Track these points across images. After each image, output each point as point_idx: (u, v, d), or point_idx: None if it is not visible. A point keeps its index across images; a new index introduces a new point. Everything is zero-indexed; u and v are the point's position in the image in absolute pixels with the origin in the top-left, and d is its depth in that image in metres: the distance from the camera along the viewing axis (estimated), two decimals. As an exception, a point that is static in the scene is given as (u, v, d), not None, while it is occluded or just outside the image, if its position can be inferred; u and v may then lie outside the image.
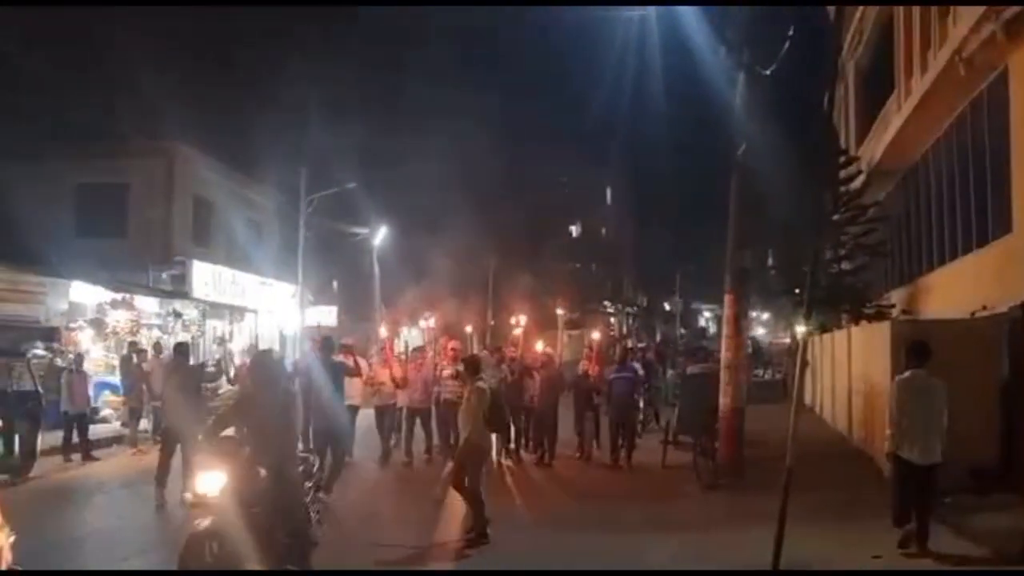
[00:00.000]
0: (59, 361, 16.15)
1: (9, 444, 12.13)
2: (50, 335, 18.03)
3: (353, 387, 13.53)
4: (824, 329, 20.40)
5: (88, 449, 14.48)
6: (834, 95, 27.33)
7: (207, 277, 25.04)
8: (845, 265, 20.60)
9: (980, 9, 12.49)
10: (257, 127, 25.05)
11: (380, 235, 32.60)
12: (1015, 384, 10.58)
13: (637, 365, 16.56)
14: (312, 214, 28.78)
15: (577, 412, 14.65)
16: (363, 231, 32.32)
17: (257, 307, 28.14)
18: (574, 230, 57.51)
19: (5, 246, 18.53)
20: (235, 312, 27.05)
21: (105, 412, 17.84)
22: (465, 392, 9.34)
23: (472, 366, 9.64)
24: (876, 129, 21.22)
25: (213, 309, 25.62)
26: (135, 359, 16.15)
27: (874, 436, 11.62)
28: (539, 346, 16.35)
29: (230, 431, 6.60)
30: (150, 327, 21.84)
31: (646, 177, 60.13)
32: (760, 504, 8.82)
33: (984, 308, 12.76)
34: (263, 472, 6.30)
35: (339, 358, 12.52)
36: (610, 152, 51.94)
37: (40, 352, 16.57)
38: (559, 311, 16.77)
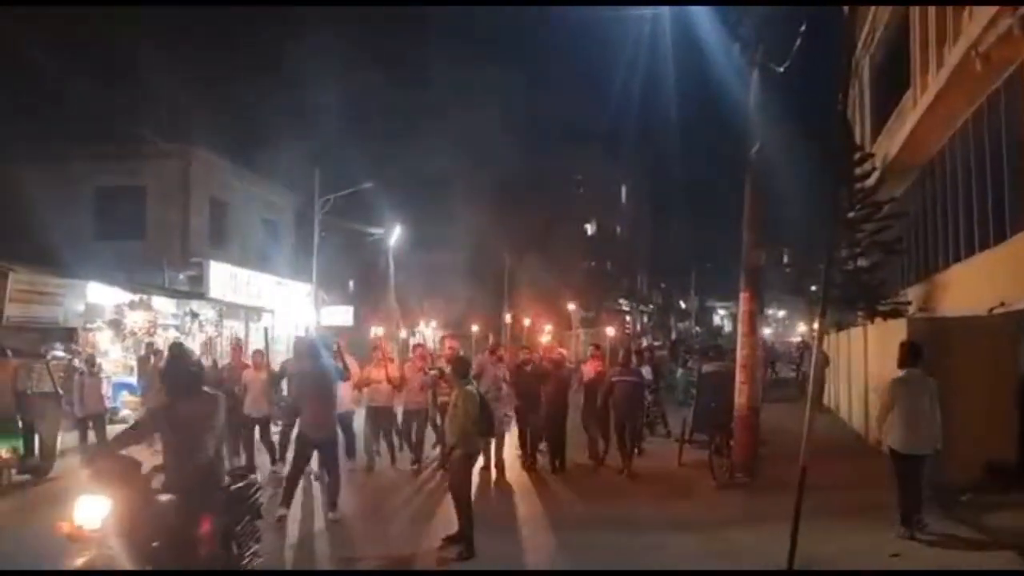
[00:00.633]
0: (76, 362, 16.27)
1: (30, 445, 12.22)
2: (68, 336, 18.18)
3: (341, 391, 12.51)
4: (840, 327, 20.33)
5: None
6: (848, 92, 27.25)
7: (224, 278, 25.20)
8: (861, 262, 20.50)
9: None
10: (273, 128, 25.23)
11: (395, 235, 32.68)
12: (1032, 381, 10.53)
13: (646, 369, 16.15)
14: (328, 214, 28.91)
15: (585, 415, 14.03)
16: (378, 231, 32.41)
17: (273, 307, 28.27)
18: (589, 228, 57.49)
19: (24, 248, 18.73)
20: (251, 312, 27.17)
21: (124, 413, 17.98)
22: (452, 396, 8.71)
23: (459, 368, 9.03)
24: (891, 125, 21.11)
25: (230, 309, 25.76)
26: (152, 360, 16.26)
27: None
28: (545, 339, 15.95)
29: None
30: (167, 328, 21.99)
31: (661, 175, 60.08)
32: (776, 502, 8.81)
33: (1001, 305, 12.69)
34: (167, 498, 5.38)
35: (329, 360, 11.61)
36: (625, 151, 51.91)
37: (59, 353, 16.73)
38: (571, 306, 16.11)
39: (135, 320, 20.74)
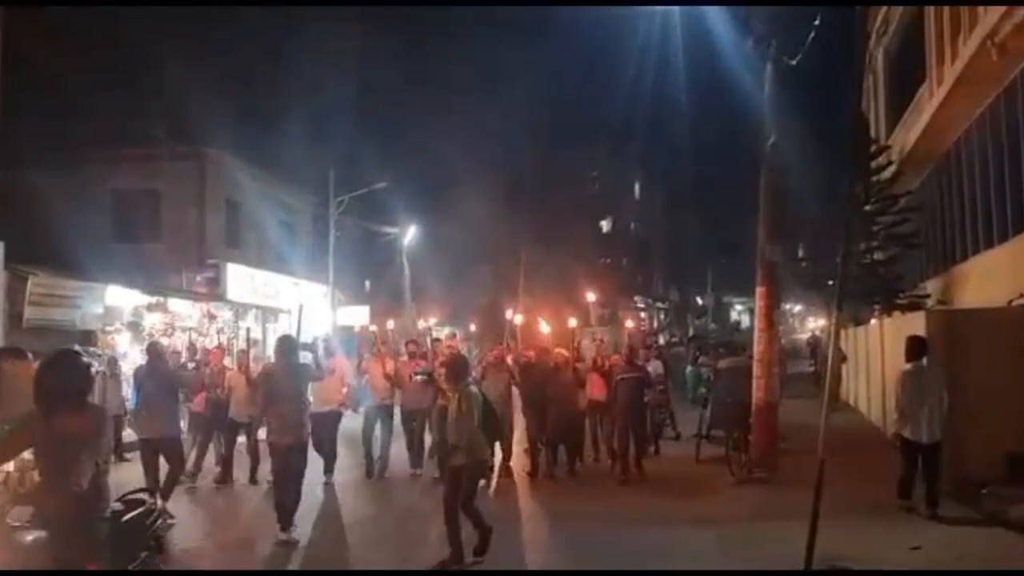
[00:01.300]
0: (96, 364, 16.36)
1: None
2: (87, 339, 18.30)
3: (329, 390, 12.00)
4: (857, 322, 20.24)
5: (120, 451, 14.70)
6: (863, 84, 27.11)
7: (241, 279, 25.32)
8: (878, 256, 20.40)
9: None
10: (288, 129, 25.31)
11: (410, 234, 32.75)
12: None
13: (656, 363, 15.67)
14: (343, 214, 29.02)
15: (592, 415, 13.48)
16: (393, 231, 32.51)
17: (290, 308, 28.37)
18: (604, 225, 57.38)
19: (42, 252, 18.87)
20: (269, 313, 27.28)
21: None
22: (454, 399, 7.99)
23: (457, 369, 8.25)
24: (907, 117, 20.98)
25: (246, 310, 25.88)
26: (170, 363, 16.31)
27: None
28: (543, 327, 14.97)
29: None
30: (185, 330, 22.10)
31: (676, 171, 59.89)
32: (794, 497, 8.78)
33: (1021, 296, 12.61)
34: (33, 536, 4.59)
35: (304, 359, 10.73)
36: (639, 147, 51.79)
37: (79, 356, 16.86)
38: (591, 296, 15.26)
39: (153, 322, 20.87)
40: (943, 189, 19.44)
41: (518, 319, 16.15)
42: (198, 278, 24.31)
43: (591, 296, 14.87)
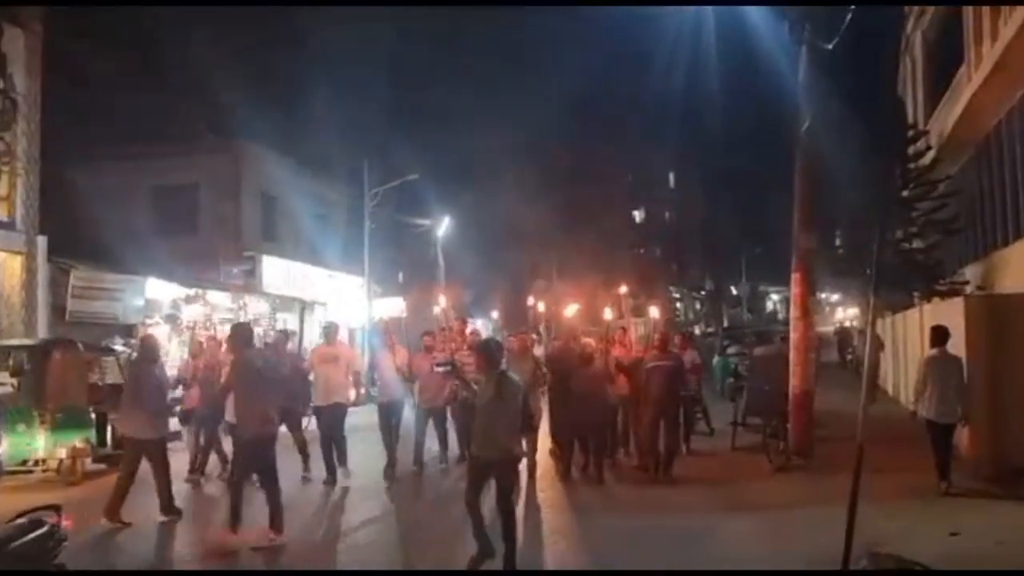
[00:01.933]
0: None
1: (102, 436, 12.58)
2: (128, 331, 18.62)
3: (335, 381, 11.42)
4: (894, 310, 20.02)
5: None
6: (900, 67, 26.76)
7: (277, 271, 25.59)
8: (916, 243, 20.15)
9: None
10: (322, 121, 25.50)
11: (444, 226, 32.85)
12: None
13: (693, 353, 14.45)
14: (378, 206, 29.19)
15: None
16: (426, 222, 32.63)
17: (326, 300, 28.63)
18: (637, 215, 57.19)
19: (84, 246, 19.25)
20: (306, 306, 27.55)
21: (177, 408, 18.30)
22: (489, 386, 7.26)
23: (489, 353, 7.51)
24: (946, 101, 20.67)
25: (283, 302, 26.16)
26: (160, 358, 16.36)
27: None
28: (571, 310, 13.60)
29: None
30: (222, 322, 22.38)
31: (710, 159, 59.47)
32: (831, 483, 8.77)
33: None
34: None
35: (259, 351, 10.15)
36: (673, 135, 51.48)
37: (120, 348, 17.15)
38: (623, 288, 14.56)
39: (191, 315, 21.16)
40: (982, 174, 19.13)
41: (541, 307, 15.70)
42: (235, 270, 24.61)
43: (623, 288, 14.35)
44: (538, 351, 14.32)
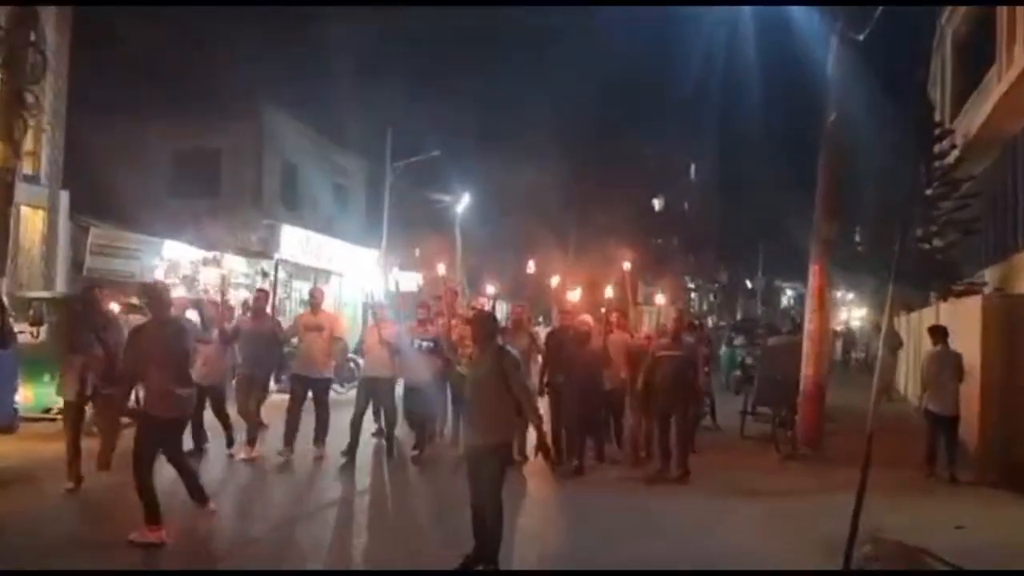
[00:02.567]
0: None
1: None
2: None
3: (317, 351, 10.78)
4: (910, 308, 19.95)
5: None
6: (930, 64, 26.52)
7: (295, 240, 25.70)
8: (936, 242, 20.04)
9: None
10: (346, 92, 25.47)
11: (463, 203, 32.82)
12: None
13: (703, 348, 13.16)
14: (398, 179, 29.23)
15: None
16: (445, 198, 32.60)
17: (343, 271, 28.74)
18: (657, 204, 56.96)
19: (105, 205, 19.41)
20: (321, 275, 27.67)
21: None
22: (484, 362, 6.49)
23: (483, 325, 6.73)
24: (973, 101, 20.49)
25: (299, 271, 26.28)
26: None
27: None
28: (573, 295, 12.28)
29: None
30: (238, 286, 22.52)
31: (733, 151, 59.13)
32: (839, 474, 8.81)
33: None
34: None
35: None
36: (696, 126, 51.15)
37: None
38: (626, 264, 14.02)
39: (208, 277, 21.32)
40: (1006, 176, 18.99)
41: (554, 281, 15.42)
42: (254, 237, 24.73)
43: (627, 264, 13.94)
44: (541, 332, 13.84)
